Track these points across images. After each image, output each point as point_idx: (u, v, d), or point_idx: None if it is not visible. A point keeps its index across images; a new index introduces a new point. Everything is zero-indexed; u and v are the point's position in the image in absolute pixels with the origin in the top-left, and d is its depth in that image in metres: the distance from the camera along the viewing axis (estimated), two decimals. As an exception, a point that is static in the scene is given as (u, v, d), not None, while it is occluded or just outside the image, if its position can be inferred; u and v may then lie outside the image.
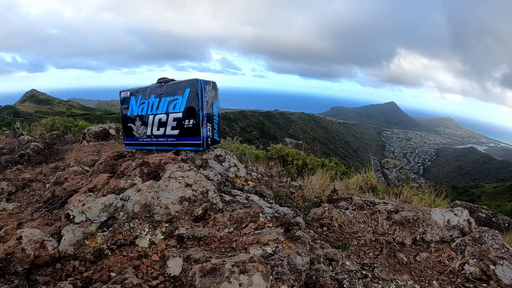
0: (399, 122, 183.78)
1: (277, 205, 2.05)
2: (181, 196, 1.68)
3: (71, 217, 1.56)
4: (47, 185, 2.69)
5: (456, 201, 5.90)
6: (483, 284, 1.66)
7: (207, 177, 2.08)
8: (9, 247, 1.37)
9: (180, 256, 1.42)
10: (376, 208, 2.36)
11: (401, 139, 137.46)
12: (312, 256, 1.55)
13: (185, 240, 1.57)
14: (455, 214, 2.21)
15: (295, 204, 2.47)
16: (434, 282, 1.70)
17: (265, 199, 2.18)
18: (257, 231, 1.62)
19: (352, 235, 2.07)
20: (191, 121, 2.22)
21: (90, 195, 1.67)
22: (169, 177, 1.79)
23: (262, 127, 70.46)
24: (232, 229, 1.63)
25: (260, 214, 1.76)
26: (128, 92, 2.56)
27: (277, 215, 1.80)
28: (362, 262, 1.81)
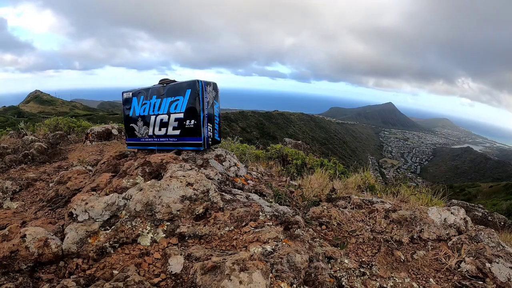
0: (397, 122, 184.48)
1: (277, 204, 2.07)
2: (182, 195, 1.70)
3: (74, 215, 1.58)
4: (51, 184, 2.71)
5: (453, 200, 5.94)
6: (479, 282, 1.68)
7: (208, 176, 2.10)
8: (13, 245, 1.39)
9: (181, 254, 1.45)
10: (374, 207, 2.39)
11: (398, 139, 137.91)
12: (311, 254, 1.57)
13: (186, 238, 1.60)
14: (451, 213, 2.24)
15: (294, 203, 2.49)
16: (431, 279, 1.72)
17: (265, 198, 2.20)
18: (257, 230, 1.64)
19: (351, 233, 2.10)
20: (192, 121, 2.24)
21: (93, 194, 1.69)
22: (171, 177, 1.81)
23: (262, 127, 70.50)
24: (232, 227, 1.66)
25: (260, 213, 1.78)
26: (130, 93, 2.58)
27: (276, 213, 1.83)
28: (360, 260, 1.83)
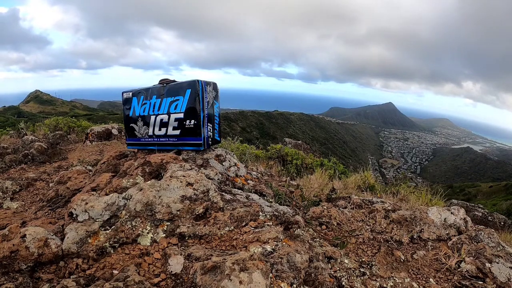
0: (397, 122, 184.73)
1: (277, 204, 2.07)
2: (182, 195, 1.70)
3: (74, 215, 1.58)
4: (51, 184, 2.71)
5: (453, 200, 5.95)
6: (479, 282, 1.68)
7: (208, 176, 2.11)
8: (13, 245, 1.38)
9: (181, 254, 1.45)
10: (374, 207, 2.39)
11: (398, 139, 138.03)
12: (311, 254, 1.57)
13: (186, 238, 1.60)
14: (451, 213, 2.24)
15: (294, 203, 2.49)
16: (431, 279, 1.72)
17: (265, 198, 2.20)
18: (257, 230, 1.64)
19: (351, 233, 2.10)
20: (192, 121, 2.24)
21: (93, 194, 1.69)
22: (171, 177, 1.81)
23: (262, 127, 70.56)
24: (232, 227, 1.66)
25: (260, 213, 1.78)
26: (130, 93, 2.58)
27: (276, 213, 1.83)
28: (360, 260, 1.83)
